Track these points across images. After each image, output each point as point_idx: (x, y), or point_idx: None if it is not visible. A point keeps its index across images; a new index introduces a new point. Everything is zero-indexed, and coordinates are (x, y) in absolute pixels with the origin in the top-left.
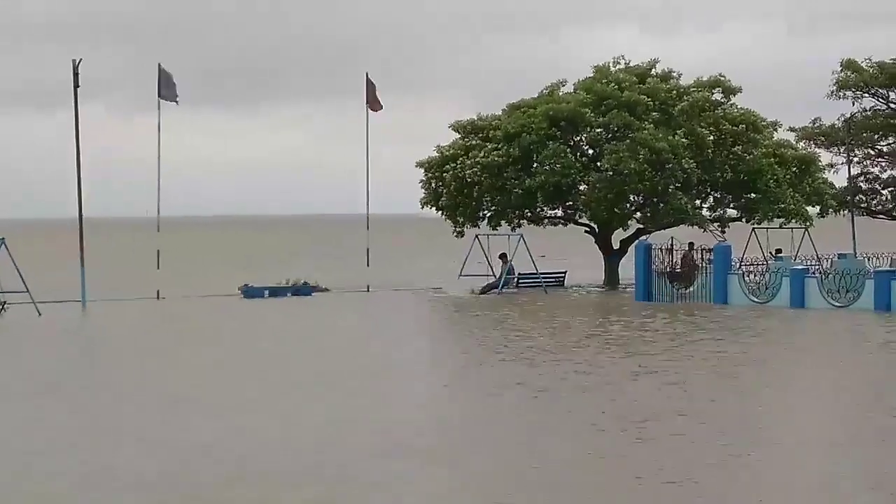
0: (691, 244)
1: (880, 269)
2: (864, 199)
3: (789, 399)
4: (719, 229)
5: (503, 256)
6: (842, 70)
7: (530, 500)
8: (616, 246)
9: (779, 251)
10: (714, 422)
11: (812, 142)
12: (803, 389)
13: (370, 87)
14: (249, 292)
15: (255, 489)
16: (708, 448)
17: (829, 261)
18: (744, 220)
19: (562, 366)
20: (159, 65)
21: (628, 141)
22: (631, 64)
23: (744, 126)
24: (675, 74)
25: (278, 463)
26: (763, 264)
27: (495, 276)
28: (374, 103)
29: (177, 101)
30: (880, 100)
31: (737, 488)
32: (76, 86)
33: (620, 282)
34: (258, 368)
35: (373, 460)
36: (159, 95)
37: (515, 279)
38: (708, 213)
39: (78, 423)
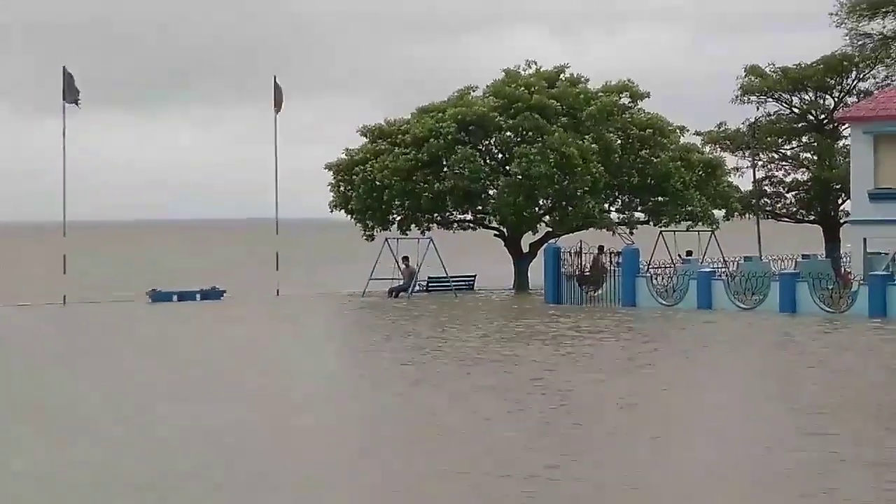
0: (601, 247)
1: (785, 271)
2: (768, 202)
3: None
4: (627, 232)
5: (406, 260)
6: (746, 75)
7: None
8: (525, 249)
9: (689, 253)
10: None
11: (718, 146)
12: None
13: (278, 90)
14: (158, 296)
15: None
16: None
17: (736, 263)
18: (651, 223)
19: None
20: (63, 68)
21: (538, 144)
22: (541, 69)
23: (651, 130)
24: (583, 79)
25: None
26: (671, 267)
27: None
28: (280, 105)
29: (78, 104)
30: (784, 104)
31: None
32: None
33: (530, 285)
34: (153, 378)
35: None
36: (63, 99)
37: (414, 283)
38: (616, 217)
39: None
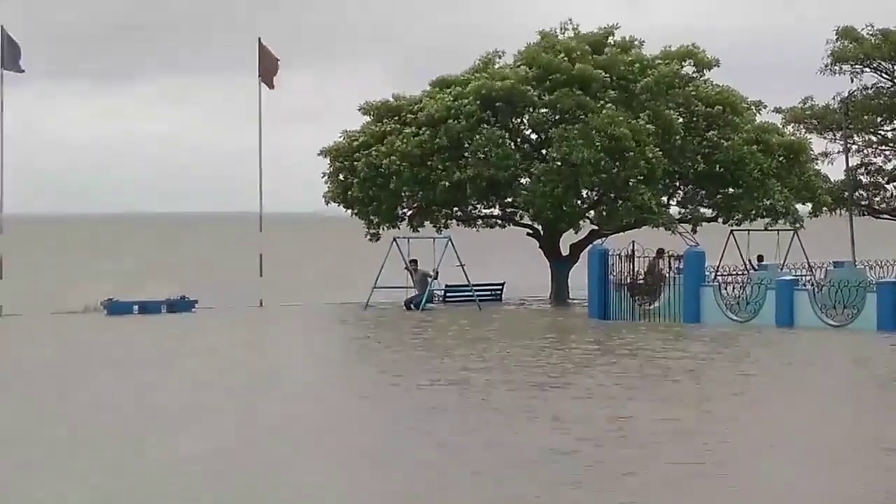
0: (661, 250)
1: (885, 280)
2: (864, 195)
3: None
4: (690, 231)
5: (414, 264)
6: (837, 39)
7: None
8: (565, 251)
9: (760, 258)
10: None
11: (802, 126)
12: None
13: (265, 55)
14: (115, 308)
15: None
16: None
17: (824, 270)
18: (720, 220)
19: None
20: (1, 27)
21: (580, 125)
22: (584, 30)
23: (720, 107)
24: (637, 43)
25: None
26: (743, 274)
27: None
28: (268, 77)
29: (22, 70)
30: (884, 75)
31: None
32: None
33: (570, 295)
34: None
35: None
36: (1, 65)
37: (427, 293)
38: (677, 212)
39: None
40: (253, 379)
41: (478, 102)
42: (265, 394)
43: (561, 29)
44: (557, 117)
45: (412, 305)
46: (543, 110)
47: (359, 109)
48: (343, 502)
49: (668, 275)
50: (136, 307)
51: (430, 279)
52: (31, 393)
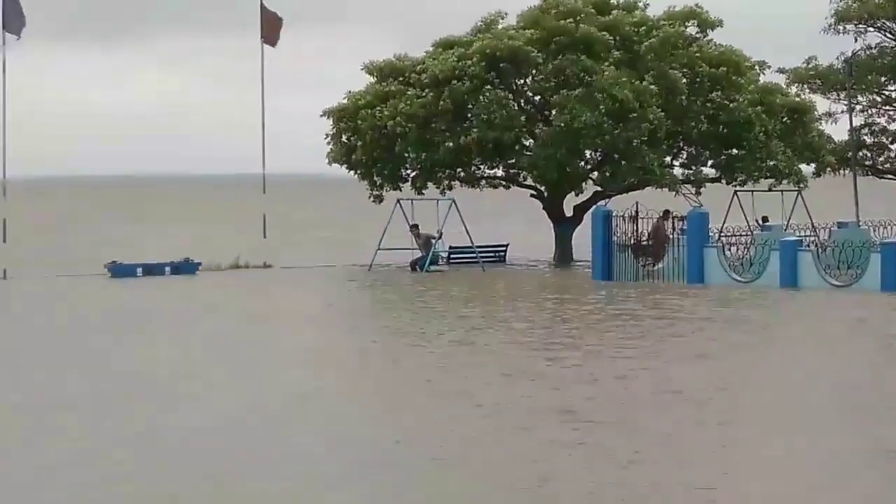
0: (667, 211)
1: (888, 240)
2: (868, 155)
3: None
4: (694, 192)
5: (415, 228)
6: None
7: None
8: (569, 213)
9: (765, 219)
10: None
11: (806, 86)
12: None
13: (267, 15)
14: (119, 270)
15: None
16: None
17: (828, 231)
18: (724, 180)
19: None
20: None
21: (584, 87)
22: None
23: (724, 68)
24: (641, 4)
25: None
26: (747, 235)
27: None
28: (270, 36)
29: (19, 36)
30: (888, 35)
31: None
32: None
33: (574, 257)
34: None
35: None
36: (3, 28)
37: (430, 254)
38: (680, 173)
39: None
40: (262, 343)
41: (482, 63)
42: (278, 358)
43: None
44: (561, 79)
45: (416, 267)
46: (547, 73)
47: (362, 69)
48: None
49: (671, 236)
50: (139, 269)
51: (434, 241)
52: (41, 358)
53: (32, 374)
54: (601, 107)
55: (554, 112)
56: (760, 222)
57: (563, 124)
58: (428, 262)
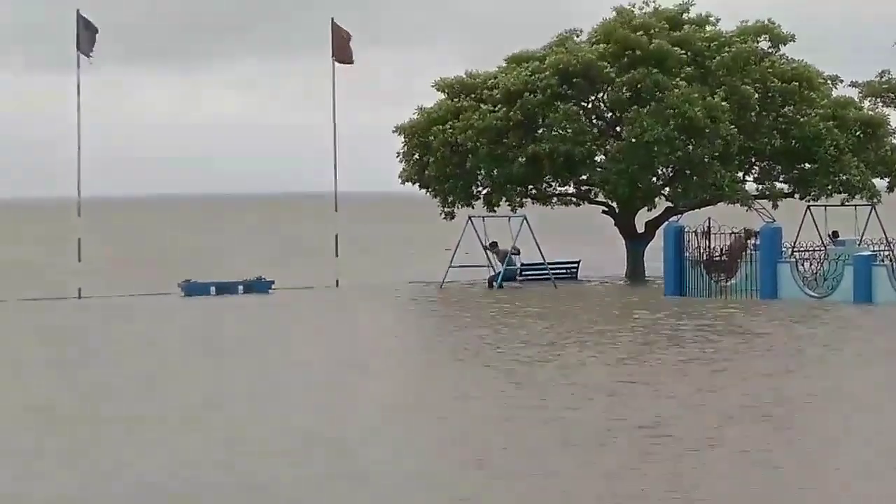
0: (747, 230)
1: None
2: None
3: None
4: (766, 208)
5: (493, 246)
6: None
7: None
8: (640, 229)
9: (835, 234)
10: None
11: (880, 100)
12: None
13: (338, 34)
14: (192, 289)
15: None
16: None
17: None
18: (797, 195)
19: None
20: (78, 11)
21: (656, 102)
22: (661, 6)
23: (796, 83)
24: (713, 19)
25: None
26: (820, 250)
27: (493, 268)
28: (342, 54)
29: (90, 58)
30: None
31: None
32: None
33: (646, 272)
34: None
35: None
36: (78, 49)
37: (502, 271)
38: (753, 188)
39: None
40: (344, 360)
41: (555, 77)
42: (360, 375)
43: (640, 5)
44: (633, 95)
45: (493, 283)
46: (619, 88)
47: (433, 86)
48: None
49: (745, 251)
50: (212, 288)
51: (513, 256)
52: (138, 376)
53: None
54: (672, 122)
55: (625, 127)
56: (831, 237)
57: (633, 139)
58: (502, 277)
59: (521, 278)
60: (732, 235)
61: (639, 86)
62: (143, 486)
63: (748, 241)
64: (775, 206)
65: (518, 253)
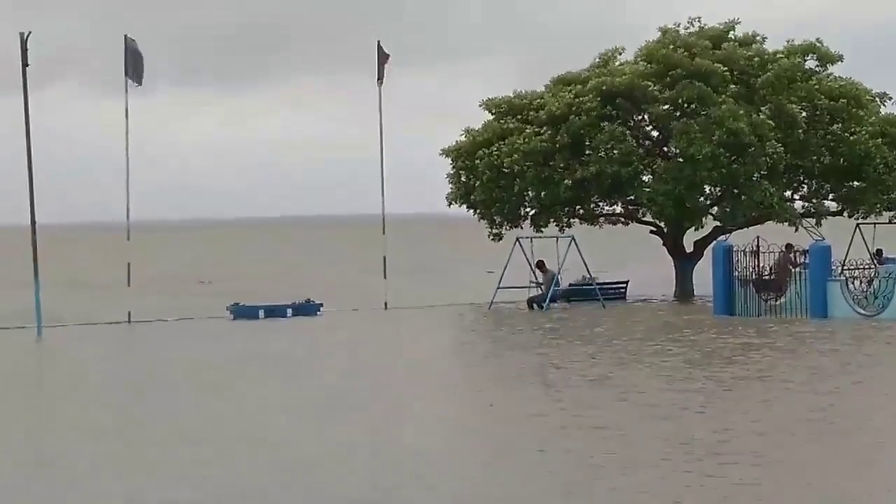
0: (789, 245)
1: None
2: None
3: None
4: (815, 225)
5: (541, 265)
6: None
7: None
8: (689, 249)
9: (879, 252)
10: None
11: None
12: None
13: (382, 58)
14: (240, 312)
15: None
16: None
17: None
18: (845, 214)
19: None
20: (126, 37)
21: (701, 119)
22: (706, 26)
23: (844, 100)
24: (758, 38)
25: None
26: (871, 268)
27: (540, 288)
28: (381, 74)
29: (139, 83)
30: None
31: None
32: (25, 65)
33: (695, 292)
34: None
35: None
36: (126, 74)
37: (550, 291)
38: (800, 206)
39: None
40: (397, 383)
41: (598, 99)
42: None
43: (685, 25)
44: (678, 113)
45: (534, 304)
46: (664, 106)
47: (480, 105)
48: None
49: (794, 269)
50: (261, 311)
51: (558, 278)
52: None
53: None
54: (716, 138)
55: (671, 144)
56: (875, 256)
57: (680, 155)
58: (548, 300)
59: (570, 299)
60: (769, 254)
61: (683, 102)
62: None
63: (788, 256)
64: (820, 224)
65: (559, 274)
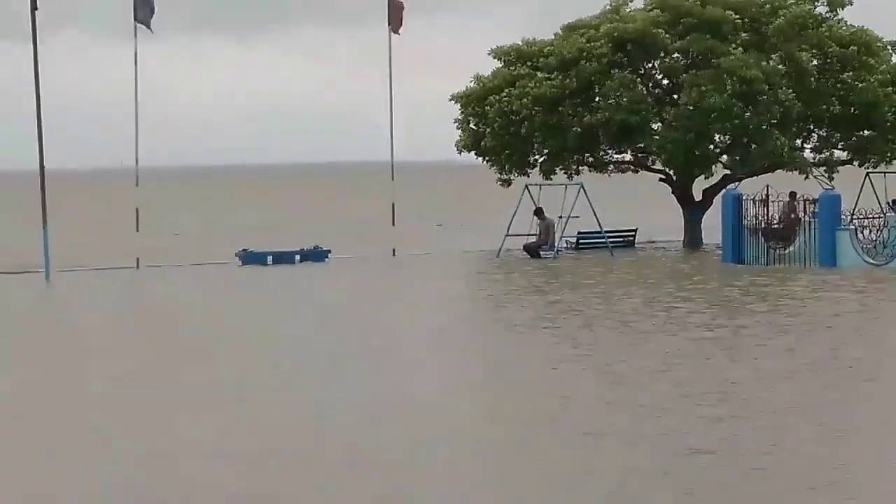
0: (793, 194)
1: None
2: None
3: None
4: (825, 175)
5: (539, 212)
6: None
7: None
8: (698, 197)
9: (895, 202)
10: None
11: None
12: None
13: (393, 4)
14: (249, 258)
15: None
16: None
17: None
18: (856, 163)
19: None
20: None
21: (712, 69)
22: None
23: (855, 48)
24: None
25: None
26: (880, 217)
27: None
28: (396, 24)
29: (150, 28)
30: None
31: None
32: (34, 8)
33: (704, 240)
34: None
35: None
36: (135, 19)
37: (553, 239)
38: (811, 156)
39: None
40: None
41: (610, 45)
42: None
43: None
44: (688, 62)
45: (533, 252)
46: (675, 55)
47: (489, 54)
48: None
49: (802, 218)
50: (270, 257)
51: (553, 227)
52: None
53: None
54: (728, 87)
55: (682, 94)
56: (891, 205)
57: (691, 106)
58: (557, 246)
59: (579, 247)
60: (779, 203)
61: (693, 52)
62: None
63: (794, 203)
64: (831, 176)
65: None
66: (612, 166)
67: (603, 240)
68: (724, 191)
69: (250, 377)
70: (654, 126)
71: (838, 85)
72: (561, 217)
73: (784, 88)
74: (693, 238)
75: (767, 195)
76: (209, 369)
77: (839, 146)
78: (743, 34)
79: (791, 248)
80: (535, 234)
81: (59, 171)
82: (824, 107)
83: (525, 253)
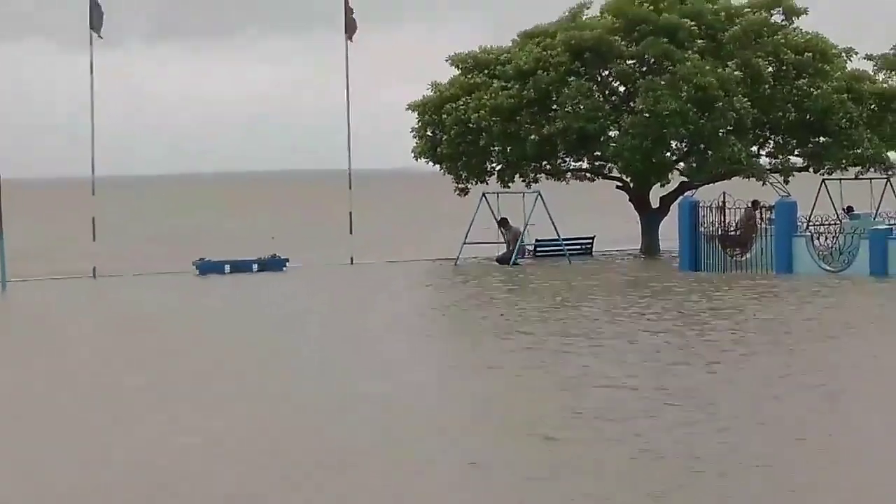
0: (756, 202)
1: None
2: None
3: None
4: (781, 181)
5: (504, 222)
6: None
7: None
8: (655, 204)
9: (850, 209)
10: None
11: (894, 73)
12: None
13: (349, 12)
14: (206, 267)
15: None
16: None
17: None
18: (811, 169)
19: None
20: None
21: (668, 75)
22: None
23: (810, 55)
24: None
25: None
26: (836, 224)
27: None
28: (351, 30)
29: (100, 35)
30: None
31: None
32: None
33: (661, 247)
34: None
35: None
36: (91, 27)
37: (518, 248)
38: (767, 162)
39: None
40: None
41: (567, 53)
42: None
43: None
44: (644, 68)
45: (503, 261)
46: (630, 61)
47: (447, 61)
48: None
49: (759, 225)
50: (227, 266)
51: (521, 235)
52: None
53: None
54: (683, 93)
55: (637, 100)
56: (846, 212)
57: (647, 112)
58: (515, 255)
59: (537, 255)
60: (735, 210)
61: (649, 58)
62: None
63: (754, 212)
64: (787, 181)
65: (525, 231)
66: (569, 174)
67: (560, 248)
68: (680, 198)
69: (182, 383)
70: (611, 134)
71: (794, 91)
72: (526, 225)
73: (740, 95)
74: (650, 245)
75: (724, 202)
76: (141, 375)
77: (795, 153)
78: (699, 41)
79: (748, 255)
80: (503, 243)
81: (15, 181)
82: (780, 113)
83: (498, 263)
